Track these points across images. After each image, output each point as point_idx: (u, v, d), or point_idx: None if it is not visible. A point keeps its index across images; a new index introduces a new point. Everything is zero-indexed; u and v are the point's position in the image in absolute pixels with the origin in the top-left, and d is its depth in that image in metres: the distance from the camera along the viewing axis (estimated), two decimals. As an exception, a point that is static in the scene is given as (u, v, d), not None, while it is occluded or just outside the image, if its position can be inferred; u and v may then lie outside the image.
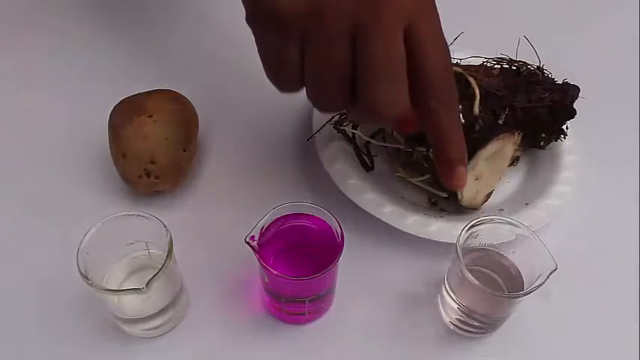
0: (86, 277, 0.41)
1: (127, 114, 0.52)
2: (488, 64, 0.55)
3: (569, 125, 0.56)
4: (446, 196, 0.53)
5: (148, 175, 0.51)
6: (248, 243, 0.41)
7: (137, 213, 0.43)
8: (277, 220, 0.44)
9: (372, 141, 0.56)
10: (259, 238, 0.42)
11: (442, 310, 0.49)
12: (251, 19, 0.35)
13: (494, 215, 0.46)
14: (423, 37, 0.34)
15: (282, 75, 0.36)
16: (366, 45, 0.33)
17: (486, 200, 0.53)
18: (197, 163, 0.58)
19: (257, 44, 0.36)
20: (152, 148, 0.51)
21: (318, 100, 0.36)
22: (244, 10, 0.36)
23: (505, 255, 0.47)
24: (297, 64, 0.34)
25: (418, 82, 0.34)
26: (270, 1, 0.33)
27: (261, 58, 0.36)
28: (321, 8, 0.32)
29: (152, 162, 0.51)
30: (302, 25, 0.33)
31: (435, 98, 0.35)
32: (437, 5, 0.37)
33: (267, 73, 0.36)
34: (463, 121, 0.49)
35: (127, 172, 0.52)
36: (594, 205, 0.56)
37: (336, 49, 0.33)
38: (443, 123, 0.36)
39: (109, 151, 0.53)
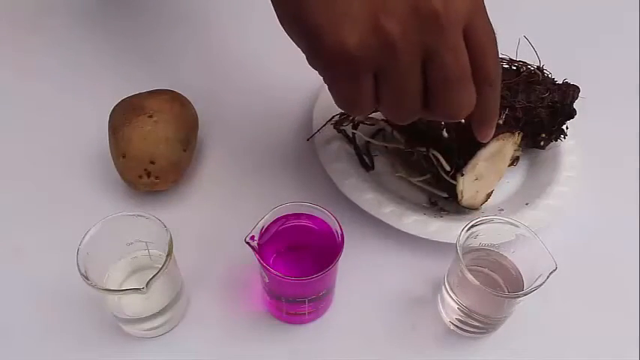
0: (86, 277, 0.41)
1: (127, 114, 0.52)
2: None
3: (569, 125, 0.56)
4: (446, 196, 0.53)
5: (148, 175, 0.51)
6: (248, 243, 0.41)
7: (137, 213, 0.43)
8: (277, 220, 0.44)
9: (372, 141, 0.56)
10: (259, 238, 0.42)
11: (442, 310, 0.49)
12: (316, 62, 0.36)
13: (494, 215, 0.46)
14: (479, 36, 0.36)
15: (357, 106, 0.37)
16: (438, 65, 0.35)
17: (486, 200, 0.53)
18: (197, 163, 0.58)
19: (327, 83, 0.37)
20: (152, 148, 0.51)
21: (396, 118, 0.38)
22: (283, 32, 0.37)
23: (505, 255, 0.47)
24: (372, 94, 0.36)
25: (478, 74, 0.36)
26: (335, 41, 0.34)
27: (333, 94, 0.37)
28: (391, 40, 0.33)
29: (152, 162, 0.51)
30: (376, 60, 0.34)
31: (490, 85, 0.37)
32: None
33: (339, 105, 0.38)
34: (463, 121, 0.49)
35: (127, 172, 0.52)
36: (594, 205, 0.56)
37: (412, 76, 0.35)
38: (492, 103, 0.39)
39: (109, 151, 0.53)
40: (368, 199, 0.53)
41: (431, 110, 0.37)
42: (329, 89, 0.37)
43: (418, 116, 0.38)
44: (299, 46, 0.37)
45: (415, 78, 0.35)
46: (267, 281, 0.44)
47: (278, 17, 0.37)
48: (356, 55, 0.33)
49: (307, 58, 0.37)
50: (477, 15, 0.35)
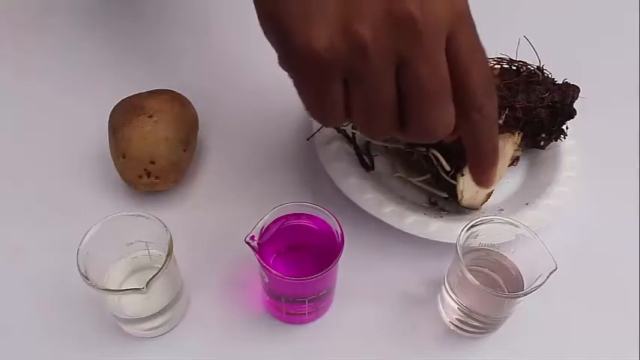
0: (86, 277, 0.41)
1: (127, 114, 0.52)
2: (489, 64, 0.55)
3: (569, 125, 0.56)
4: (446, 196, 0.53)
5: (148, 175, 0.51)
6: (248, 243, 0.41)
7: (137, 213, 0.43)
8: (277, 220, 0.44)
9: (372, 141, 0.56)
10: (259, 238, 0.42)
11: (442, 310, 0.49)
12: (285, 63, 0.34)
13: (494, 215, 0.46)
14: (462, 50, 0.33)
15: (326, 114, 0.35)
16: (412, 75, 0.32)
17: (486, 200, 0.53)
18: (197, 163, 0.58)
19: (295, 86, 0.35)
20: (152, 148, 0.51)
21: (367, 130, 0.36)
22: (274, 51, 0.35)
23: (505, 255, 0.47)
24: (341, 102, 0.34)
25: (460, 94, 0.34)
26: (304, 42, 0.32)
27: (302, 99, 0.35)
28: (362, 44, 0.31)
29: (152, 162, 0.51)
30: (344, 64, 0.32)
31: (476, 109, 0.34)
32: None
33: (309, 112, 0.36)
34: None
35: (127, 172, 0.52)
36: (594, 205, 0.56)
37: (384, 84, 0.33)
38: (482, 133, 0.35)
39: (109, 151, 0.53)
40: (368, 199, 0.53)
41: (406, 128, 0.35)
42: (298, 94, 0.35)
43: (392, 133, 0.35)
44: (272, 45, 0.35)
45: (387, 86, 0.33)
46: (267, 281, 0.44)
47: (257, 14, 0.36)
48: (324, 57, 0.32)
49: (278, 59, 0.35)
50: (460, 25, 0.33)
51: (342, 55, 0.32)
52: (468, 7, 0.34)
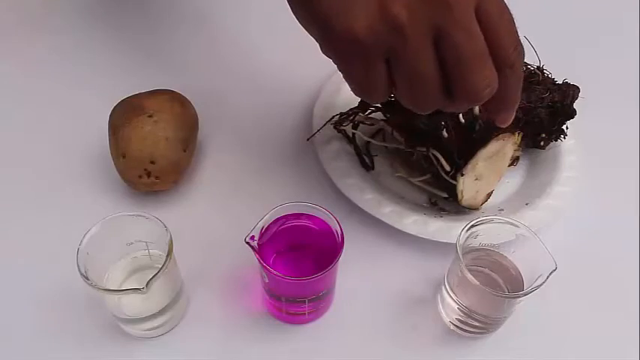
0: (86, 277, 0.41)
1: (127, 114, 0.52)
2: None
3: (569, 125, 0.56)
4: (446, 196, 0.53)
5: (148, 175, 0.51)
6: (248, 243, 0.41)
7: (137, 213, 0.43)
8: (277, 220, 0.44)
9: (372, 141, 0.56)
10: (259, 238, 0.42)
11: (442, 310, 0.49)
12: (328, 50, 0.37)
13: (494, 215, 0.46)
14: (491, 13, 0.35)
15: (372, 92, 0.38)
16: (450, 45, 0.34)
17: (486, 200, 0.53)
18: (197, 163, 0.58)
19: (340, 70, 0.37)
20: (152, 148, 0.51)
21: (416, 105, 0.38)
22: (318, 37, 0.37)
23: (505, 255, 0.47)
24: (386, 80, 0.36)
25: (494, 53, 0.36)
26: (344, 27, 0.34)
27: (348, 81, 0.37)
28: (399, 24, 0.34)
29: (152, 162, 0.51)
30: (385, 44, 0.34)
31: (509, 65, 0.36)
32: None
33: (355, 92, 0.38)
34: (463, 121, 0.49)
35: (127, 172, 0.52)
36: (594, 205, 0.56)
37: (424, 58, 0.35)
38: (512, 86, 0.38)
39: (109, 151, 0.53)
40: (368, 199, 0.53)
41: (452, 97, 0.37)
42: (344, 77, 0.37)
43: (439, 105, 0.37)
44: (311, 35, 0.37)
45: (428, 60, 0.35)
46: (267, 281, 0.44)
47: (290, 6, 0.38)
48: (365, 40, 0.34)
49: (320, 47, 0.37)
50: None
51: (382, 36, 0.34)
52: None
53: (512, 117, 0.41)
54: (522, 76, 0.39)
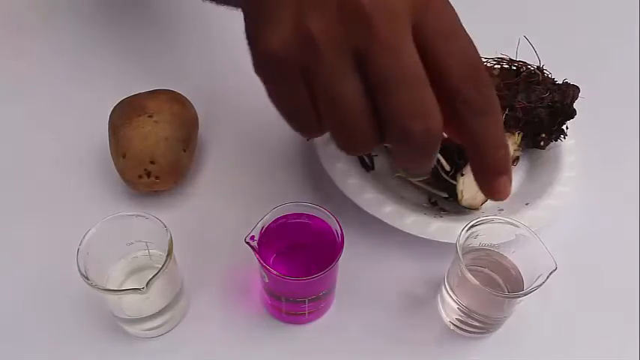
0: (86, 277, 0.41)
1: (127, 114, 0.52)
2: (488, 64, 0.55)
3: (569, 125, 0.56)
4: (446, 196, 0.53)
5: (148, 175, 0.51)
6: (248, 243, 0.41)
7: (137, 213, 0.43)
8: (277, 220, 0.44)
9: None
10: (259, 238, 0.42)
11: (442, 310, 0.49)
12: (255, 68, 0.33)
13: (494, 215, 0.46)
14: (434, 31, 0.30)
15: (299, 120, 0.33)
16: (372, 66, 0.29)
17: (486, 200, 0.53)
18: (197, 163, 0.58)
19: (267, 95, 0.34)
20: (152, 148, 0.51)
21: (345, 143, 0.32)
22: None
23: (505, 255, 0.47)
24: (309, 106, 0.32)
25: (439, 85, 0.29)
26: (263, 45, 0.31)
27: (277, 109, 0.34)
28: (311, 37, 0.30)
29: (152, 162, 0.51)
30: (298, 60, 0.30)
31: (461, 100, 0.30)
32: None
33: (288, 123, 0.34)
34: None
35: (127, 172, 0.52)
36: (594, 205, 0.56)
37: (341, 77, 0.30)
38: (475, 128, 0.30)
39: (109, 151, 0.53)
40: (368, 199, 0.53)
41: (386, 136, 0.30)
42: (270, 101, 0.34)
43: (374, 143, 0.31)
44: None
45: (345, 80, 0.30)
46: (267, 281, 0.44)
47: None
48: (277, 54, 0.30)
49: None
50: (429, 10, 0.30)
51: (294, 50, 0.30)
52: None
53: (505, 187, 0.32)
54: (494, 115, 0.30)
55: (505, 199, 0.32)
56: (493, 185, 0.32)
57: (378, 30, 0.29)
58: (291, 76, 0.31)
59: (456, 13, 0.31)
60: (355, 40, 0.29)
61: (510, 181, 0.32)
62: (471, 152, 0.31)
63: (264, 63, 0.32)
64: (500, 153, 0.31)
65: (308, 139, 0.57)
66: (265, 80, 0.33)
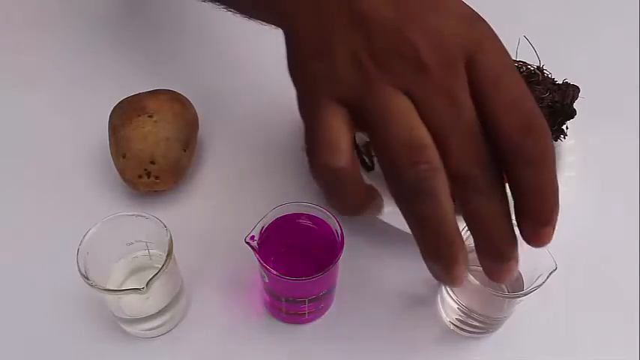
0: (86, 277, 0.41)
1: (127, 114, 0.52)
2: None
3: (569, 125, 0.56)
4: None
5: (148, 175, 0.51)
6: (248, 243, 0.41)
7: (137, 213, 0.43)
8: (277, 220, 0.44)
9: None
10: (259, 238, 0.42)
11: (442, 310, 0.49)
12: (303, 97, 0.34)
13: (494, 215, 0.46)
14: (485, 73, 0.29)
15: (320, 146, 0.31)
16: (426, 109, 0.28)
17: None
18: (197, 163, 0.58)
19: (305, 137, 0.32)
20: (152, 148, 0.51)
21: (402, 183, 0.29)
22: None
23: (505, 255, 0.47)
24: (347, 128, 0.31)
25: (491, 130, 0.28)
26: (319, 83, 0.31)
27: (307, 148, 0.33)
28: (367, 72, 0.29)
29: (152, 162, 0.51)
30: (350, 95, 0.30)
31: (513, 149, 0.28)
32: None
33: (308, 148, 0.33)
34: None
35: (127, 172, 0.52)
36: (594, 205, 0.56)
37: (397, 115, 0.28)
38: (525, 178, 0.29)
39: (109, 151, 0.53)
40: (368, 199, 0.52)
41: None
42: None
43: (434, 174, 0.28)
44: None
45: (408, 120, 0.28)
46: (267, 281, 0.44)
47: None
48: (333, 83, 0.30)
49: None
50: (480, 46, 0.29)
51: (346, 83, 0.30)
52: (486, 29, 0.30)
53: (547, 237, 0.30)
54: (550, 169, 0.30)
55: (543, 246, 0.31)
56: (535, 234, 0.30)
57: (435, 76, 0.28)
58: (335, 110, 0.30)
59: (508, 53, 0.30)
60: (409, 82, 0.29)
61: (554, 231, 0.30)
62: (517, 200, 0.30)
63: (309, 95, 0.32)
64: (548, 205, 0.30)
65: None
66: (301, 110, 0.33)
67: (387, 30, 0.29)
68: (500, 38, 0.32)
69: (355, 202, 0.32)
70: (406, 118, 0.28)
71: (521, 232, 0.30)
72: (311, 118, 0.31)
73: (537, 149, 0.28)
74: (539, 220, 0.30)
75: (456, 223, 0.29)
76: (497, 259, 0.30)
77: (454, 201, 0.29)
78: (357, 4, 0.30)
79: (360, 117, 0.30)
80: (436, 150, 0.28)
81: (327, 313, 0.49)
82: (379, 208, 0.33)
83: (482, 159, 0.28)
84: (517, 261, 0.31)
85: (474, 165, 0.28)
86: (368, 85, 0.29)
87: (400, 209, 0.30)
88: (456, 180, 0.28)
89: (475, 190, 0.28)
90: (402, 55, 0.29)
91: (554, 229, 0.30)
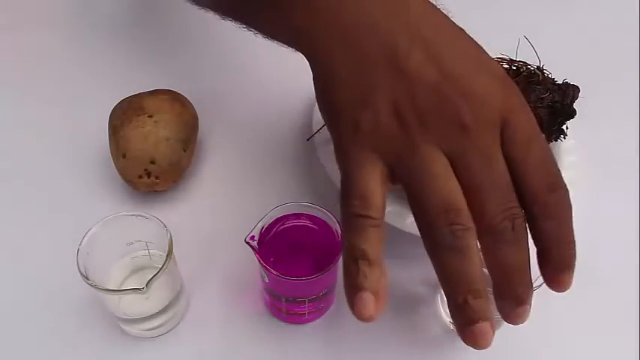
0: (86, 277, 0.41)
1: (127, 114, 0.52)
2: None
3: (569, 125, 0.56)
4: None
5: (148, 175, 0.51)
6: (248, 243, 0.41)
7: (137, 213, 0.43)
8: (277, 220, 0.44)
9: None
10: (259, 238, 0.42)
11: (442, 310, 0.49)
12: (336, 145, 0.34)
13: (494, 215, 0.46)
14: (516, 136, 0.32)
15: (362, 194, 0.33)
16: (466, 169, 0.31)
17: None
18: (197, 163, 0.58)
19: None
20: (152, 148, 0.51)
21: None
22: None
23: (505, 255, 0.47)
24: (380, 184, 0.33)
25: (519, 187, 0.32)
26: (352, 126, 0.32)
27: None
28: (409, 131, 0.31)
29: (152, 162, 0.51)
30: (389, 147, 0.32)
31: (538, 205, 0.32)
32: (438, 6, 0.36)
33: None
34: None
35: (127, 172, 0.52)
36: (594, 205, 0.56)
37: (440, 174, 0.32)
38: (546, 229, 0.33)
39: (109, 151, 0.53)
40: (368, 199, 0.52)
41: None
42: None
43: (468, 237, 0.31)
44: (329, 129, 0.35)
45: (443, 176, 0.31)
46: (267, 281, 0.44)
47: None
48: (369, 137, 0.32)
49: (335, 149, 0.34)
50: (512, 112, 0.32)
51: (388, 137, 0.32)
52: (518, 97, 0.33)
53: (567, 282, 0.33)
54: (568, 222, 0.33)
55: (564, 291, 0.34)
56: (555, 279, 0.33)
57: (474, 137, 0.31)
58: (376, 159, 0.32)
59: (535, 119, 0.33)
60: (450, 143, 0.31)
61: (572, 276, 0.33)
62: (540, 248, 0.33)
63: (352, 141, 0.33)
64: (569, 253, 0.33)
65: (308, 139, 0.57)
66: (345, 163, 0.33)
67: (430, 90, 0.31)
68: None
69: (374, 255, 0.33)
70: (444, 181, 0.31)
71: (543, 277, 0.34)
72: (350, 168, 0.33)
73: (559, 205, 0.32)
74: (560, 267, 0.33)
75: (484, 277, 0.32)
76: (516, 303, 0.33)
77: None
78: (401, 60, 0.32)
79: (398, 171, 0.32)
80: (469, 212, 0.31)
81: (327, 313, 0.49)
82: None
83: (512, 213, 0.31)
84: (531, 305, 0.34)
85: (504, 218, 0.31)
86: (410, 143, 0.31)
87: (432, 260, 0.32)
88: (487, 232, 0.31)
89: (503, 240, 0.31)
90: (445, 116, 0.31)
91: (573, 274, 0.33)
